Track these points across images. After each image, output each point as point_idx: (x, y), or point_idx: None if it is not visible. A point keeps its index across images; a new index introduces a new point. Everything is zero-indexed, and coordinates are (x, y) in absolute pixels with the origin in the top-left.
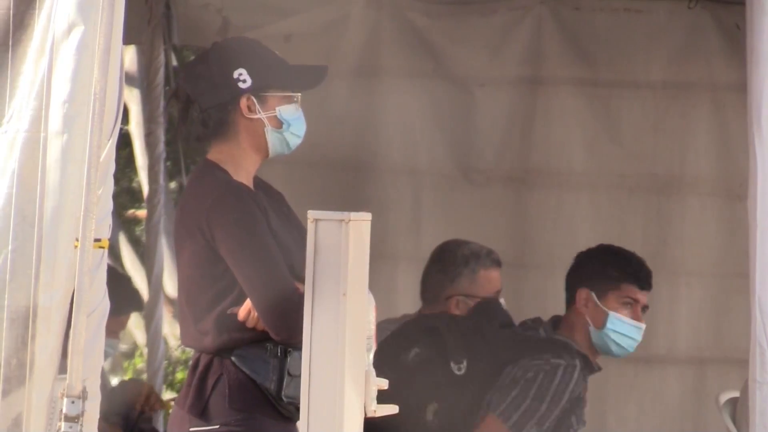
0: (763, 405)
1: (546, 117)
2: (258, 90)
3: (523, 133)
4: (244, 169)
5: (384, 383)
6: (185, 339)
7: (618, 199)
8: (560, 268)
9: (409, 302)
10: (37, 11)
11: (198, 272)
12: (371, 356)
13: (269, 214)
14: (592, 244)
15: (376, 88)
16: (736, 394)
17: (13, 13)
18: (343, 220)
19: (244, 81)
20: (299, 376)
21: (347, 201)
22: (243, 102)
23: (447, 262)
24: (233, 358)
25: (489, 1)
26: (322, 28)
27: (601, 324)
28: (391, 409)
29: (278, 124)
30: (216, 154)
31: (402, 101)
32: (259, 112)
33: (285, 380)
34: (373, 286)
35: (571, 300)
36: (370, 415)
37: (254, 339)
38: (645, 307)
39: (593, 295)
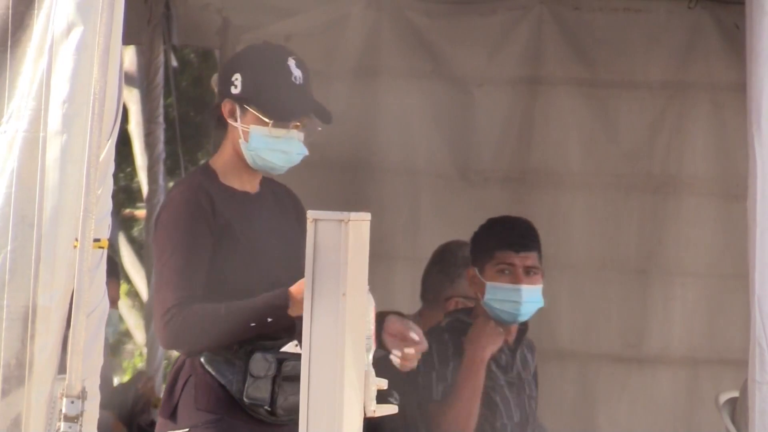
0: (763, 405)
1: (544, 117)
2: (243, 100)
3: (521, 133)
4: (236, 172)
5: (384, 383)
6: None
7: (614, 199)
8: (557, 267)
9: (407, 302)
10: (36, 11)
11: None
12: (371, 356)
13: (248, 216)
14: (589, 243)
15: (376, 88)
16: (735, 394)
17: (12, 14)
18: (343, 220)
19: (236, 87)
20: (263, 377)
21: (346, 201)
22: (225, 105)
23: (448, 263)
24: (202, 359)
25: (488, 1)
26: (322, 28)
27: (483, 296)
28: (391, 409)
29: (248, 140)
30: (216, 156)
31: (401, 101)
32: (237, 121)
33: (247, 381)
34: (371, 286)
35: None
36: (369, 415)
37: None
38: (531, 269)
39: (476, 270)
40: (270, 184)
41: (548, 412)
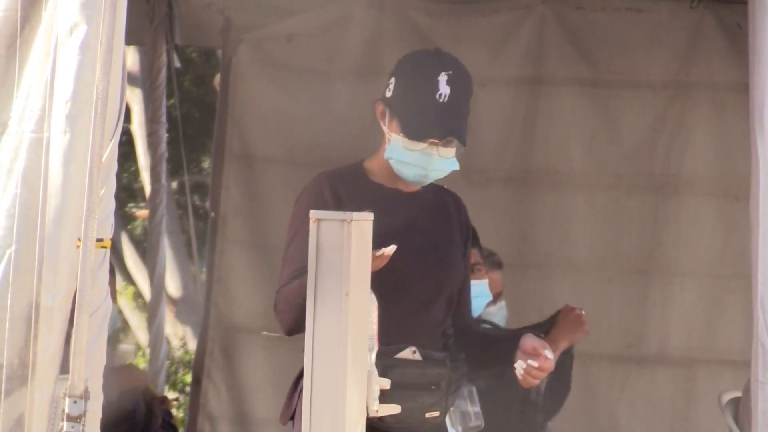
0: (766, 405)
1: (547, 117)
2: (390, 106)
3: (523, 133)
4: (387, 170)
5: (386, 383)
6: None
7: (616, 198)
8: (559, 267)
9: None
10: (43, 11)
11: None
12: (373, 356)
13: (389, 213)
14: (591, 243)
15: (378, 88)
16: (738, 394)
17: (20, 14)
18: (346, 220)
19: (389, 90)
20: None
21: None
22: (378, 105)
23: None
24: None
25: (491, 1)
26: (324, 27)
27: None
28: (394, 409)
29: (391, 142)
30: (370, 158)
31: None
32: (385, 126)
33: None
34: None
35: None
36: (372, 414)
37: None
38: (474, 265)
39: None
40: (437, 189)
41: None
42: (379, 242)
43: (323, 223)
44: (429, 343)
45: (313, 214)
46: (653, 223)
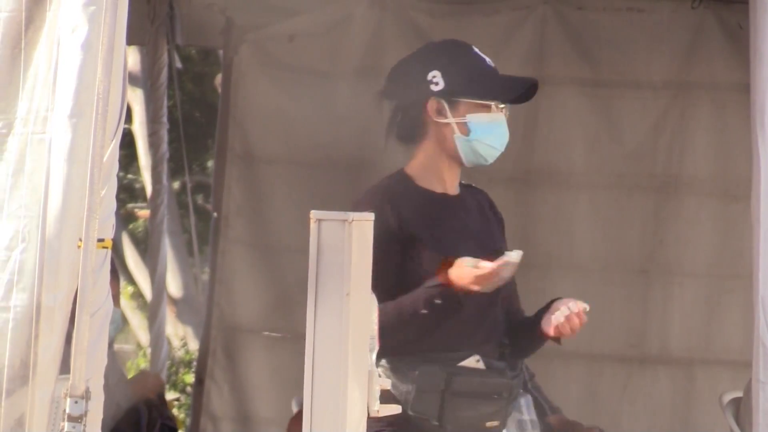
0: (766, 405)
1: (548, 117)
2: (450, 95)
3: (525, 133)
4: (436, 175)
5: (387, 383)
6: None
7: (617, 198)
8: (560, 267)
9: None
10: (47, 13)
11: None
12: (374, 356)
13: (444, 219)
14: (592, 243)
15: (379, 88)
16: (739, 394)
17: (25, 16)
18: (346, 220)
19: (437, 84)
20: (429, 391)
21: (350, 201)
22: (431, 104)
23: None
24: (381, 367)
25: (492, 1)
26: (325, 28)
27: None
28: (394, 409)
29: (467, 131)
30: (411, 160)
31: None
32: (449, 117)
33: (413, 394)
34: None
35: None
36: (373, 414)
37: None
38: None
39: None
40: (467, 188)
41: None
42: (443, 251)
43: (324, 223)
44: (490, 352)
45: (314, 214)
46: (654, 223)
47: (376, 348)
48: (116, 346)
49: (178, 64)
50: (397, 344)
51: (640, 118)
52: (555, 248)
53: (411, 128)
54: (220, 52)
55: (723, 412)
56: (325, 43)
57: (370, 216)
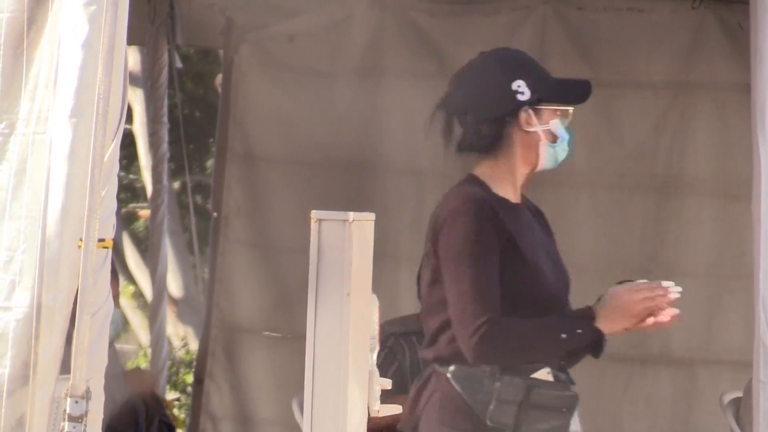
0: (767, 405)
1: None
2: (534, 102)
3: None
4: (510, 183)
5: (387, 383)
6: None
7: (618, 198)
8: None
9: (412, 302)
10: (49, 13)
11: (424, 278)
12: (375, 356)
13: (523, 229)
14: (593, 243)
15: (379, 88)
16: (740, 394)
17: (27, 16)
18: (347, 220)
19: (523, 93)
20: (509, 402)
21: (351, 201)
22: (522, 115)
23: None
24: (449, 375)
25: (492, 2)
26: (325, 28)
27: None
28: (395, 409)
29: (552, 137)
30: (482, 168)
31: (405, 101)
32: (537, 125)
33: (493, 404)
34: (375, 287)
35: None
36: (373, 415)
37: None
38: None
39: None
40: (523, 198)
41: None
42: (535, 261)
43: (325, 223)
44: (555, 363)
45: (314, 214)
46: (655, 223)
47: (377, 348)
48: (117, 346)
49: (179, 64)
50: (513, 360)
51: (641, 118)
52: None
53: (494, 138)
54: (221, 52)
55: (724, 412)
56: (326, 43)
57: (371, 216)
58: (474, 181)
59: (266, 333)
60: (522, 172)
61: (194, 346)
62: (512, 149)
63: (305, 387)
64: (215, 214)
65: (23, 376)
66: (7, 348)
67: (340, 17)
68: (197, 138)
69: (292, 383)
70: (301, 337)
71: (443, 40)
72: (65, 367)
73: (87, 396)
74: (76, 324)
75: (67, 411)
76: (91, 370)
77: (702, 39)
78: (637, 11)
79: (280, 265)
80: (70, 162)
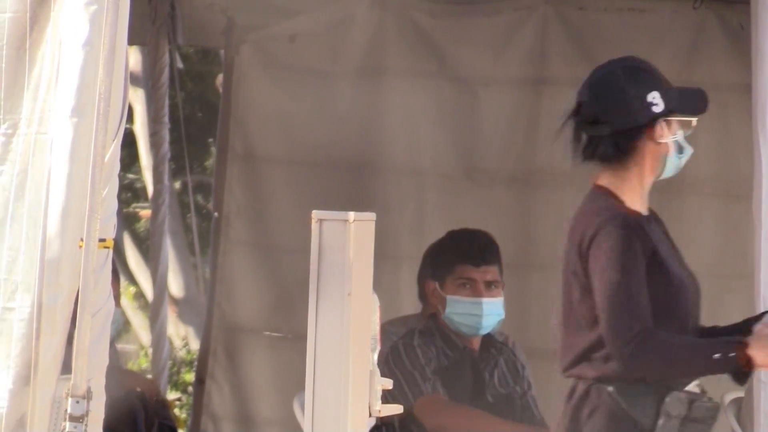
0: None
1: (550, 117)
2: (666, 114)
3: (526, 133)
4: (639, 195)
5: (388, 383)
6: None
7: None
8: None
9: (412, 302)
10: (51, 13)
11: (569, 296)
12: (376, 356)
13: (660, 241)
14: None
15: (380, 88)
16: (741, 394)
17: (29, 16)
18: (348, 220)
19: (657, 105)
20: (675, 416)
21: (351, 201)
22: (657, 126)
23: None
24: (611, 389)
25: (493, 2)
26: (326, 28)
27: (444, 309)
28: (396, 409)
29: (679, 148)
30: (608, 179)
31: (406, 101)
32: (668, 137)
33: (661, 420)
34: (376, 287)
35: (423, 294)
36: (374, 414)
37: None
38: (492, 282)
39: (437, 284)
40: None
41: (549, 412)
42: (675, 275)
43: (325, 223)
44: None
45: (315, 214)
46: None
47: (378, 348)
48: (118, 346)
49: (180, 64)
50: (664, 372)
51: None
52: (557, 249)
53: (625, 149)
54: (221, 52)
55: (725, 411)
56: (326, 43)
57: (372, 216)
58: (606, 193)
59: (267, 333)
60: (649, 182)
61: (195, 345)
62: (643, 160)
63: (306, 387)
64: (216, 214)
65: (25, 376)
66: (11, 348)
67: (341, 17)
68: (198, 138)
69: (293, 383)
70: (302, 337)
71: (444, 40)
72: (66, 367)
73: (88, 396)
74: (77, 324)
75: (68, 411)
76: (92, 370)
77: (703, 39)
78: (638, 11)
79: (281, 265)
80: (70, 162)
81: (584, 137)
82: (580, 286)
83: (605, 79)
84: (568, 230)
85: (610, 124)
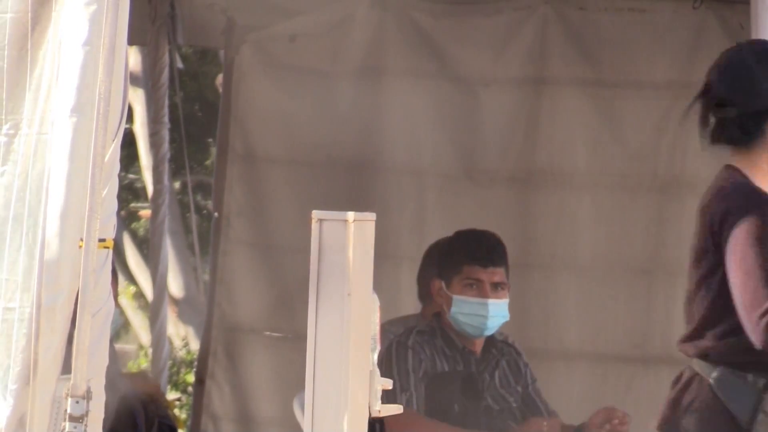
0: (767, 405)
1: (550, 117)
2: None
3: (526, 133)
4: (765, 176)
5: (388, 383)
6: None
7: (620, 199)
8: (563, 268)
9: (412, 302)
10: (53, 13)
11: (700, 274)
12: (375, 356)
13: None
14: (595, 243)
15: (381, 88)
16: None
17: (31, 16)
18: (348, 220)
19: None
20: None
21: (351, 201)
22: None
23: None
24: (712, 381)
25: (493, 2)
26: (327, 28)
27: (449, 309)
28: (396, 409)
29: None
30: (738, 160)
31: (406, 101)
32: None
33: (759, 417)
34: (376, 287)
35: (426, 292)
36: (374, 414)
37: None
38: (498, 284)
39: (443, 283)
40: None
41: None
42: None
43: (325, 223)
44: None
45: (315, 214)
46: (658, 223)
47: (378, 348)
48: (117, 346)
49: (180, 64)
50: None
51: (642, 119)
52: (557, 249)
53: (755, 131)
54: (221, 52)
55: None
56: (326, 43)
57: (372, 216)
58: (738, 172)
59: (267, 333)
60: None
61: (195, 345)
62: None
63: (306, 387)
64: (216, 214)
65: (25, 376)
66: (11, 349)
67: (341, 17)
68: (198, 138)
69: (293, 383)
70: (302, 337)
71: (444, 40)
72: (66, 367)
73: (88, 396)
74: (76, 324)
75: (68, 411)
76: (91, 370)
77: (703, 39)
78: (638, 11)
79: (281, 265)
80: (70, 162)
81: (712, 120)
82: (709, 263)
83: (734, 61)
84: (698, 208)
85: (738, 106)
